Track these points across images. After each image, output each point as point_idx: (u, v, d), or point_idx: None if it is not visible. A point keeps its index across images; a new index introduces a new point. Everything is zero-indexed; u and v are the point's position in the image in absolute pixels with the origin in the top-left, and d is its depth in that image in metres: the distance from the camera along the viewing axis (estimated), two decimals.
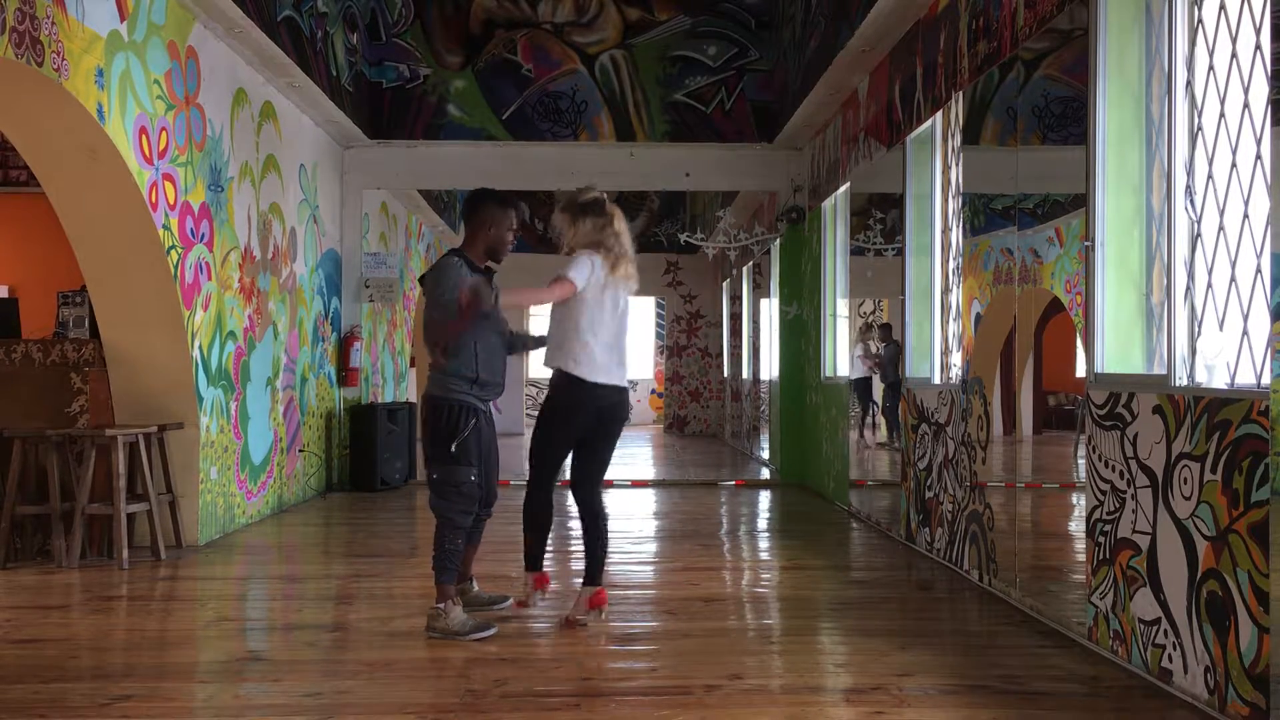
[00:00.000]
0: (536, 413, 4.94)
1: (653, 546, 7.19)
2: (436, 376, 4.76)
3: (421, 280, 4.88)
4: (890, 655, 4.29)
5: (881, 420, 8.68)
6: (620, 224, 4.82)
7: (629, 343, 4.90)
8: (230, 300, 7.42)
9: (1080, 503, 4.58)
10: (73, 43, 5.39)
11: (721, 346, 18.42)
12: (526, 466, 4.95)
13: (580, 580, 4.98)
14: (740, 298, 15.81)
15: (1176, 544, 3.72)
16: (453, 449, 4.69)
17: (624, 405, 4.87)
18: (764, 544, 7.55)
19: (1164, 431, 3.82)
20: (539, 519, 4.94)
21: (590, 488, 4.89)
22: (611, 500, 9.46)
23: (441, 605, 4.62)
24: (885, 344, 8.42)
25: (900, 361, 7.27)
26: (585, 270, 4.67)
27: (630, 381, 5.08)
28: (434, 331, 4.73)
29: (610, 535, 5.01)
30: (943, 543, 6.21)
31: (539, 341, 5.17)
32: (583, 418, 4.77)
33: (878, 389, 8.69)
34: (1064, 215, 4.94)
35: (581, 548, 4.95)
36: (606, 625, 4.80)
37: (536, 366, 20.22)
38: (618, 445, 4.96)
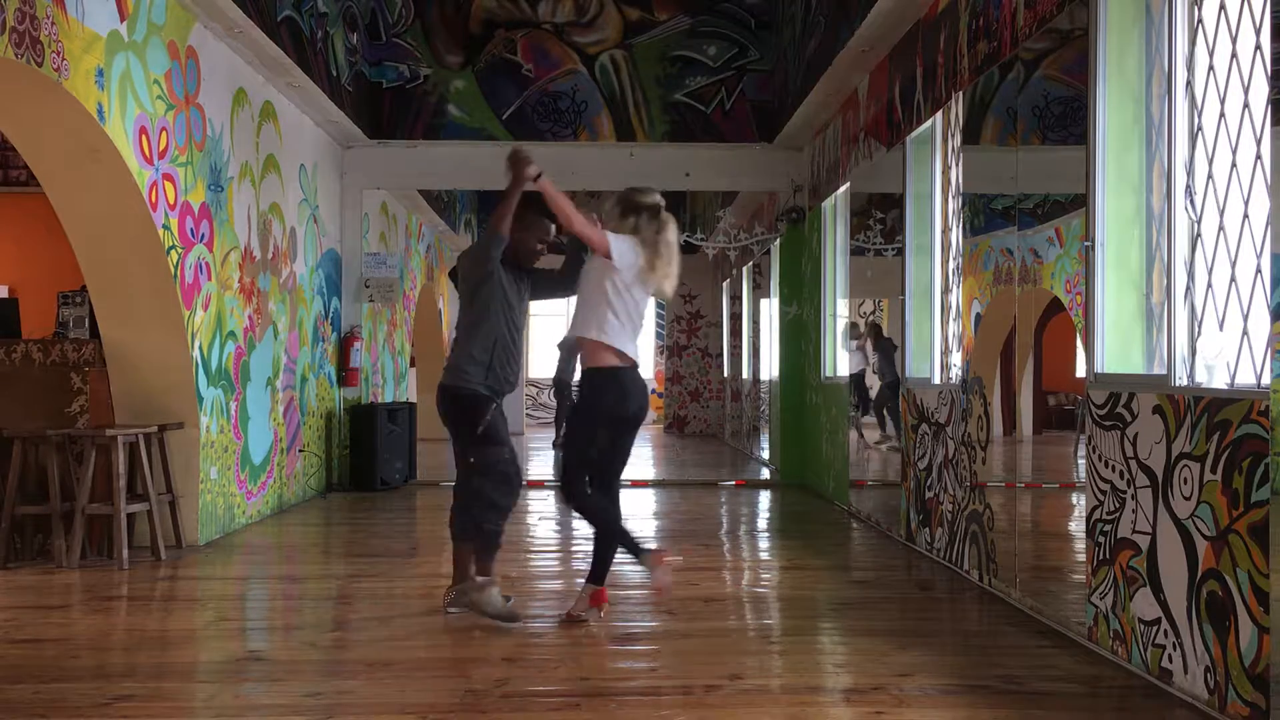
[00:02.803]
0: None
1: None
2: (449, 367, 4.86)
3: (461, 257, 5.09)
4: (890, 655, 4.29)
5: (882, 417, 8.66)
6: (672, 234, 4.77)
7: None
8: (230, 300, 7.42)
9: (1080, 503, 4.57)
10: (73, 43, 5.39)
11: (721, 346, 18.41)
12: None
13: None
14: (740, 298, 15.81)
15: (1176, 544, 3.72)
16: (480, 431, 4.74)
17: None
18: (764, 544, 7.55)
19: (1164, 431, 3.82)
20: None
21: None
22: None
23: (483, 579, 4.71)
24: (877, 345, 8.40)
25: (898, 360, 7.26)
26: (626, 247, 4.66)
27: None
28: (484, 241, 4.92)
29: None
30: (943, 543, 6.21)
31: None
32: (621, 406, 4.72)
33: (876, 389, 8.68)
34: (1064, 215, 4.94)
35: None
36: (607, 625, 4.81)
37: (536, 367, 20.20)
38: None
